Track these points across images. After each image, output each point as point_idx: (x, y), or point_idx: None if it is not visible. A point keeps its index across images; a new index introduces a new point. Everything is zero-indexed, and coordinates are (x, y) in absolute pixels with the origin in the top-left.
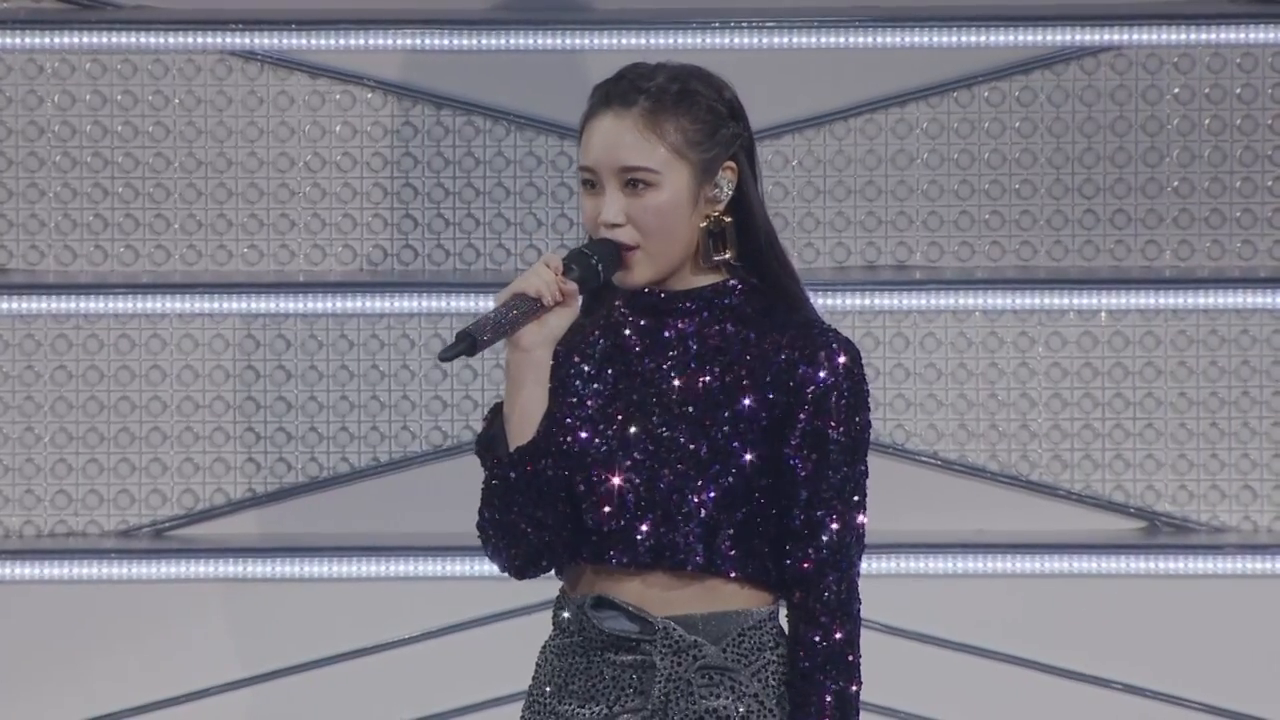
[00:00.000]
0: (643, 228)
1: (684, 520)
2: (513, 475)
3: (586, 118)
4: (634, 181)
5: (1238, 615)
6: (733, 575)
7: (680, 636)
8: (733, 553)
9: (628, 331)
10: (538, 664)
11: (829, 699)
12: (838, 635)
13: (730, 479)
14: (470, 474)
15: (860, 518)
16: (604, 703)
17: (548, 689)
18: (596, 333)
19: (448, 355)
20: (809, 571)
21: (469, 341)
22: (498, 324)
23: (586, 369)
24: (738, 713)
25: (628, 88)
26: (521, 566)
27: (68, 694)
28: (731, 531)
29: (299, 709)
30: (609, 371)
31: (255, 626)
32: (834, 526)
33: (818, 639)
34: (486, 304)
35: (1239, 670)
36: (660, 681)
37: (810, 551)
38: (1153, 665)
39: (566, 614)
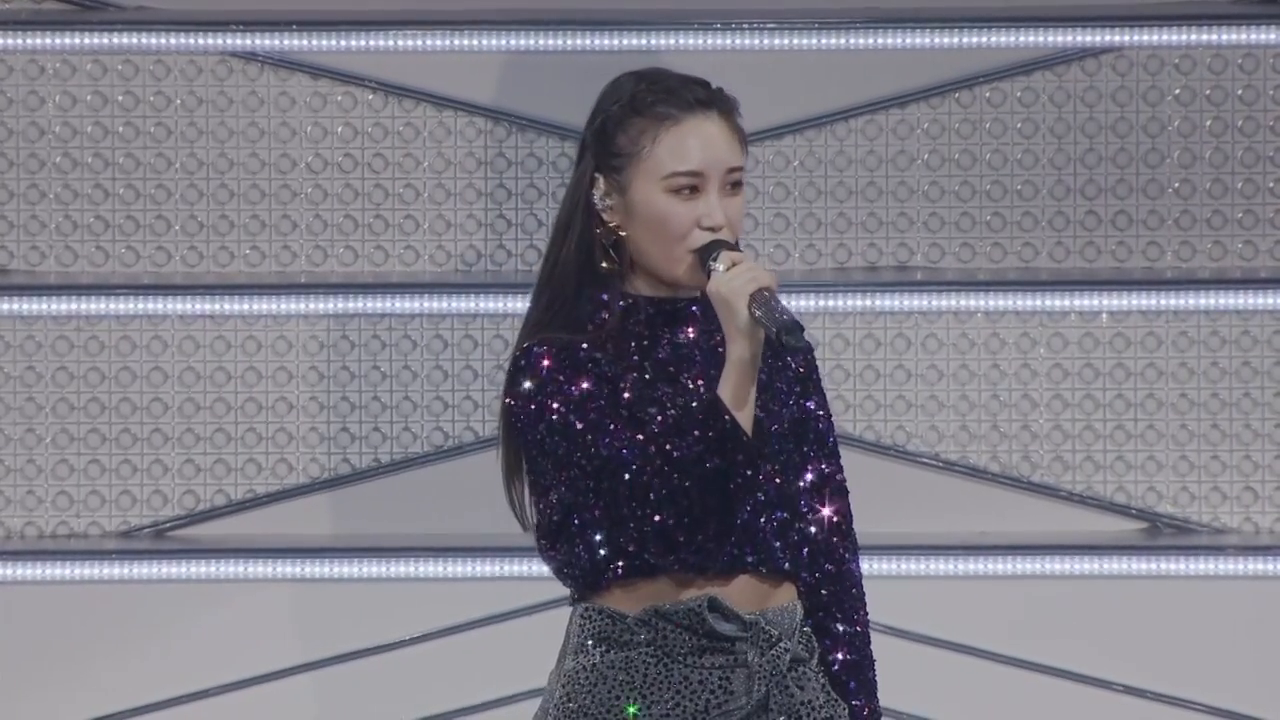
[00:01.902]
0: (735, 227)
1: (773, 523)
2: (748, 452)
3: (662, 123)
4: (734, 182)
5: (1239, 617)
6: (790, 572)
7: (771, 634)
8: (801, 551)
9: (651, 342)
10: (581, 685)
11: (873, 682)
12: (868, 622)
13: (787, 480)
14: (470, 474)
15: None
16: (695, 708)
17: (611, 706)
18: (608, 345)
19: (804, 342)
20: (841, 569)
21: (800, 328)
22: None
23: (633, 380)
24: (819, 702)
25: (698, 88)
26: (671, 551)
27: (69, 694)
28: (795, 529)
29: (300, 710)
30: (629, 379)
31: (256, 627)
32: (848, 523)
33: (860, 627)
34: (486, 304)
35: (1240, 671)
36: (764, 678)
37: (837, 548)
38: (1154, 666)
39: (627, 625)
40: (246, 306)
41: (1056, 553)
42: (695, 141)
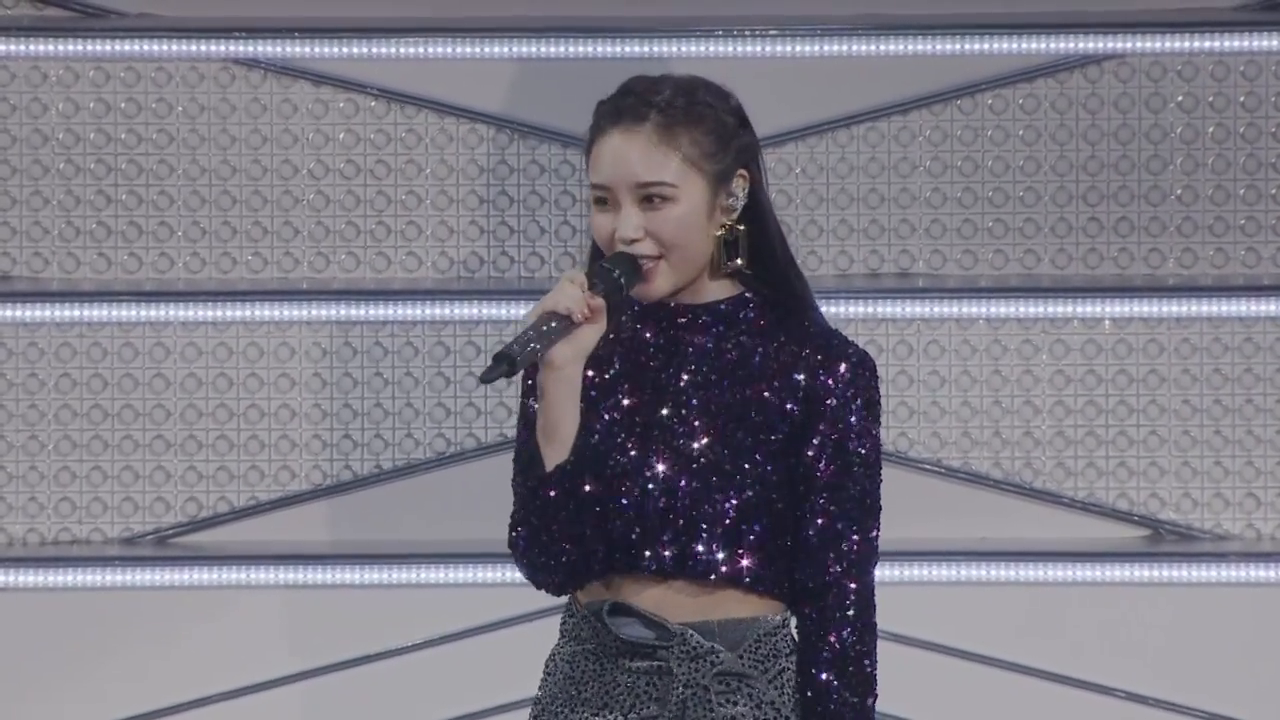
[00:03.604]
0: (662, 241)
1: (707, 530)
2: (554, 494)
3: (594, 135)
4: (651, 196)
5: (1241, 623)
6: (751, 584)
7: (698, 643)
8: (753, 562)
9: (641, 344)
10: (546, 672)
11: (847, 710)
12: (857, 645)
13: (751, 490)
14: (472, 481)
15: (878, 529)
16: (618, 710)
17: (558, 697)
18: (608, 346)
19: (489, 378)
20: (829, 582)
21: (508, 362)
22: (533, 342)
23: (602, 382)
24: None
25: (636, 103)
26: (562, 583)
27: (71, 701)
28: (752, 540)
29: (302, 716)
30: (625, 385)
31: (258, 634)
32: (854, 537)
33: (837, 649)
34: (489, 311)
35: (1242, 678)
36: (678, 688)
37: (831, 562)
38: (1156, 673)
39: (577, 621)
40: (249, 313)
41: (1058, 559)
42: (605, 155)
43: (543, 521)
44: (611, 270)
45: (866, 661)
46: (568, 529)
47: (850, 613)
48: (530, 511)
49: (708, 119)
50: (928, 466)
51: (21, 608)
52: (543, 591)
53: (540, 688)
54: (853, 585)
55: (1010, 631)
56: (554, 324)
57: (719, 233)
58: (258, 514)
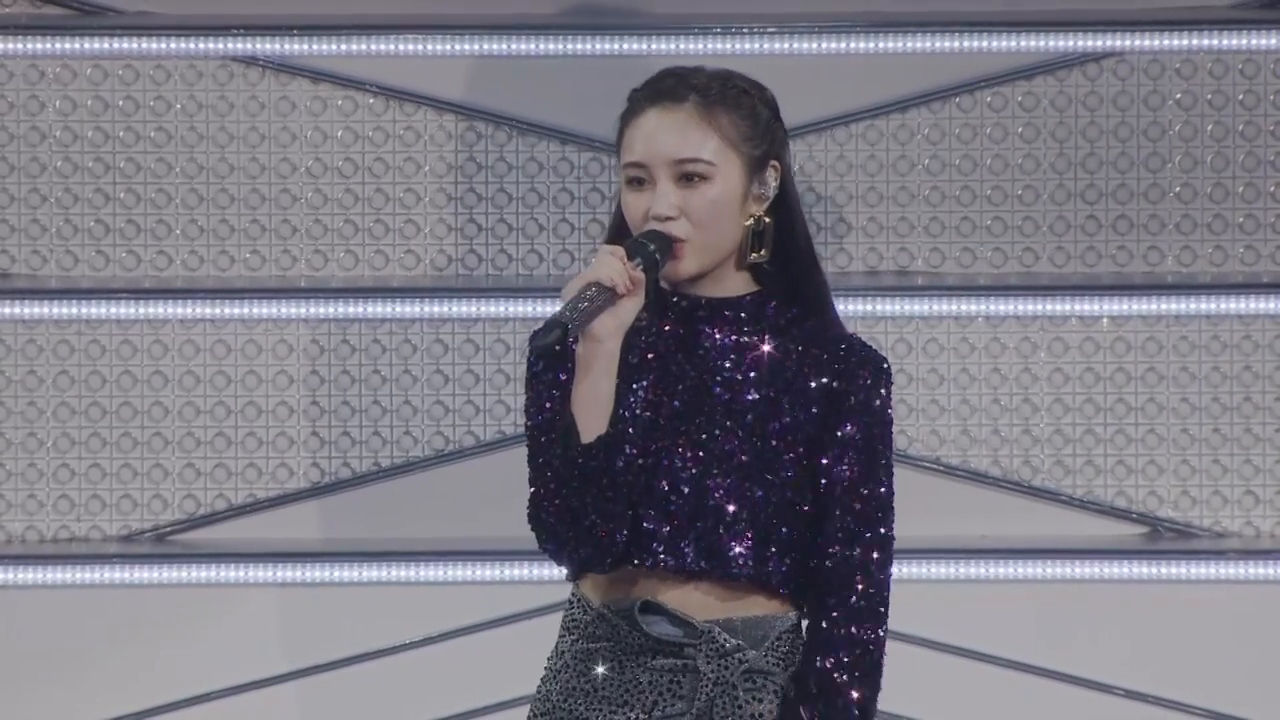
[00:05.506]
0: (696, 220)
1: (734, 530)
2: (592, 465)
3: (629, 116)
4: (689, 174)
5: (1240, 621)
6: (776, 584)
7: (725, 641)
8: (779, 563)
9: (660, 336)
10: (551, 671)
11: (853, 705)
12: (869, 641)
13: (779, 491)
14: (471, 479)
15: (893, 527)
16: (639, 708)
17: (571, 694)
18: (626, 335)
19: (541, 342)
20: (846, 578)
21: (561, 329)
22: (582, 311)
23: (622, 370)
24: (772, 716)
25: (675, 84)
26: (587, 560)
27: (70, 699)
28: (778, 541)
29: (300, 713)
30: (647, 378)
31: (257, 631)
32: (869, 537)
33: (851, 643)
34: (487, 308)
35: (1241, 675)
36: (706, 686)
37: (849, 559)
38: (1155, 670)
39: (591, 619)
40: (247, 310)
41: (1057, 557)
42: (642, 133)
43: (579, 493)
44: (647, 244)
45: (877, 656)
46: (602, 502)
47: (868, 609)
48: (565, 483)
49: (744, 105)
50: (926, 464)
51: (20, 605)
52: (561, 569)
53: (542, 684)
54: (872, 580)
55: (1009, 629)
56: (599, 294)
57: (748, 223)
58: (256, 511)
